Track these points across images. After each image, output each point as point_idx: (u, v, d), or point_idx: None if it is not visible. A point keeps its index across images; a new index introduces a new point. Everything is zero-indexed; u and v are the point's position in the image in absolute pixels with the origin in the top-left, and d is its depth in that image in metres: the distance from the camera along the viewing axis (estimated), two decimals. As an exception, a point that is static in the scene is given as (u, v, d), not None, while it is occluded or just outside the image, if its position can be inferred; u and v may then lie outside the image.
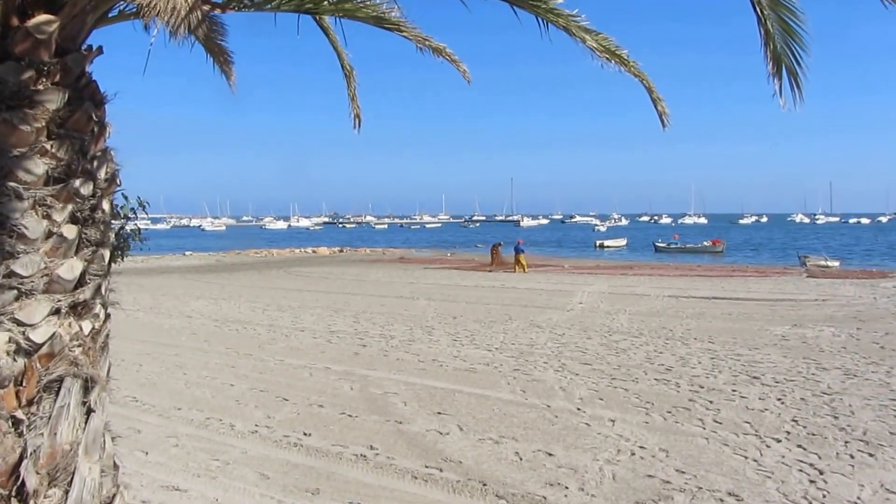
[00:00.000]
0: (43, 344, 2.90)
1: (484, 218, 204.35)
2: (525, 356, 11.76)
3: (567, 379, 10.07)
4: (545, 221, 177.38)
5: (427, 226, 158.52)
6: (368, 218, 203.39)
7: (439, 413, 8.39)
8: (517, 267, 32.15)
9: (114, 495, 3.32)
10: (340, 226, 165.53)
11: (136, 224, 8.58)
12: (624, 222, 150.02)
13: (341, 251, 56.01)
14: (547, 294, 21.95)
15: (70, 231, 3.04)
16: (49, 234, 2.96)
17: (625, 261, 44.15)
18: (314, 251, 54.76)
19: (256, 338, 14.01)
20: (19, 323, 2.85)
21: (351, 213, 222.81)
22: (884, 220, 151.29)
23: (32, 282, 2.89)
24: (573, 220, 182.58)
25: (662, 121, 4.81)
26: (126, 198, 8.38)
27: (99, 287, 3.25)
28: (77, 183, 3.05)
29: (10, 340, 2.82)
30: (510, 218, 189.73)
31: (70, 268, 3.04)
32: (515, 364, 11.14)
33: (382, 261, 43.07)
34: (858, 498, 5.79)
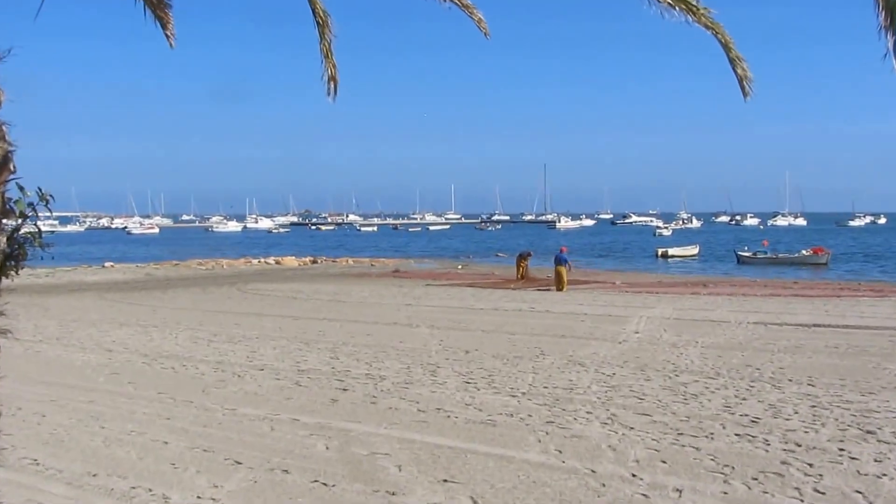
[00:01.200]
0: None
1: (507, 218, 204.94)
2: (562, 404, 11.73)
3: (618, 434, 10.03)
4: (590, 223, 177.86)
5: (431, 228, 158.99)
6: (352, 217, 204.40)
7: (446, 480, 8.36)
8: (558, 283, 31.99)
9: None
10: (314, 227, 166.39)
11: (35, 224, 8.61)
12: (695, 224, 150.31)
13: (314, 262, 56.23)
14: (592, 320, 21.92)
15: (-53, 234, 3.05)
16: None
17: (696, 276, 44.10)
18: (278, 262, 55.00)
19: (199, 379, 14.03)
20: None
21: (328, 211, 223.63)
22: None
23: None
24: (627, 220, 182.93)
25: (743, 87, 4.81)
26: (22, 189, 8.42)
27: (-15, 309, 3.26)
28: (-43, 170, 3.06)
29: None
30: (543, 217, 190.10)
31: (-54, 283, 3.05)
32: (549, 414, 11.11)
33: (370, 275, 43.15)
34: None
